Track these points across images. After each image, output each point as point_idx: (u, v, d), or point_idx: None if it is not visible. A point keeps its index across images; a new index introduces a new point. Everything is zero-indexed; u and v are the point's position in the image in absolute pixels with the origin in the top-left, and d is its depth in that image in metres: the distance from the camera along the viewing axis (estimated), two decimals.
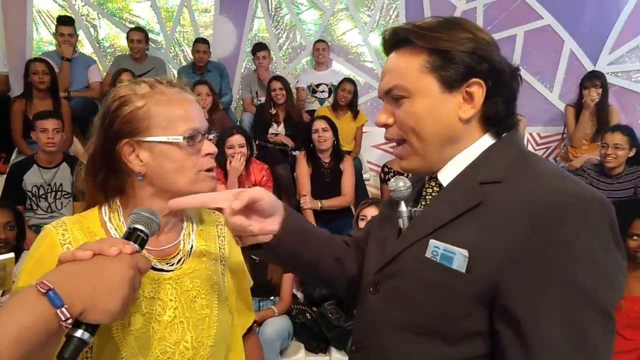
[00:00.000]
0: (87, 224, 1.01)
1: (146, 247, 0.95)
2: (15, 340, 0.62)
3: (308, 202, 3.70)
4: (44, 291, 0.66)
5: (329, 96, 5.08)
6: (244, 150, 3.39)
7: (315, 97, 5.23)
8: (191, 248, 1.06)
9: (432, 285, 0.82)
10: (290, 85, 4.74)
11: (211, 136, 1.05)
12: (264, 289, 2.90)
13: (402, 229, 0.93)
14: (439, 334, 0.82)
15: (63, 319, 0.67)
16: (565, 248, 0.72)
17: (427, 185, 0.94)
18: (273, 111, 4.57)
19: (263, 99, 4.85)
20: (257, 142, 4.41)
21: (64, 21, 4.68)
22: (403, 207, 0.93)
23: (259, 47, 5.09)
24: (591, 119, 4.24)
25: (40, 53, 4.95)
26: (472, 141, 0.88)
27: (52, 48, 4.97)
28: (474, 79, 0.84)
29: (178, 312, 1.00)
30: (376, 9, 5.57)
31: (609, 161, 3.44)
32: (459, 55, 0.83)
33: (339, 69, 5.53)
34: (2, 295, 2.12)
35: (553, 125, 4.98)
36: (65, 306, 0.67)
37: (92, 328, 0.72)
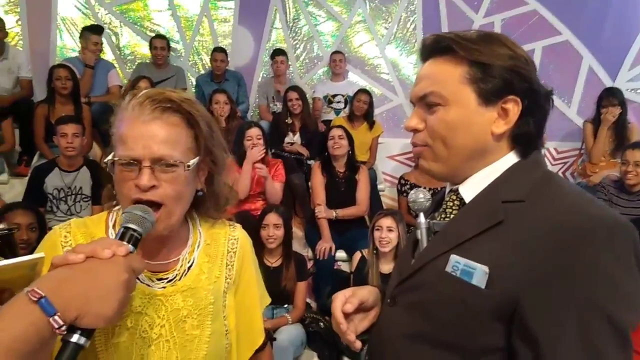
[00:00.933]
0: (92, 227, 1.01)
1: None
2: (7, 349, 0.61)
3: (322, 211, 3.71)
4: (36, 299, 0.65)
5: (345, 107, 5.11)
6: (261, 141, 3.66)
7: (332, 107, 5.26)
8: (190, 266, 1.01)
9: (451, 299, 0.82)
10: (307, 95, 4.78)
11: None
12: (277, 296, 2.91)
13: (419, 240, 0.93)
14: (455, 348, 0.82)
15: (56, 326, 0.65)
16: (587, 270, 0.72)
17: (447, 198, 0.94)
18: (289, 121, 4.61)
19: (279, 104, 4.90)
20: (272, 150, 4.45)
21: (95, 30, 4.81)
22: (422, 218, 0.94)
23: (278, 52, 5.21)
24: (610, 135, 4.23)
25: (62, 59, 5.06)
26: (498, 157, 0.88)
27: (75, 54, 5.08)
28: (511, 96, 0.84)
29: (165, 331, 0.96)
30: (393, 21, 5.61)
31: (630, 178, 3.41)
32: (499, 70, 0.84)
33: (356, 80, 5.57)
34: None
35: (570, 141, 4.95)
36: (58, 314, 0.65)
37: (87, 332, 0.71)
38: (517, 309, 0.76)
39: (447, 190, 0.96)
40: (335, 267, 3.60)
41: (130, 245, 0.79)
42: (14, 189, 4.10)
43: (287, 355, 2.61)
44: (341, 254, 3.63)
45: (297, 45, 5.75)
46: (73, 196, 3.50)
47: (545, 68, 5.21)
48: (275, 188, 3.70)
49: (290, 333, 2.78)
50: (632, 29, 5.05)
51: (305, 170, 4.31)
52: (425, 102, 0.89)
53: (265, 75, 5.67)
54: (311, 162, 4.32)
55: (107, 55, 5.47)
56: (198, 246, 1.04)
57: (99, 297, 0.70)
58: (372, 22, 5.65)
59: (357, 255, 3.23)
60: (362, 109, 4.64)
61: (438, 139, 0.88)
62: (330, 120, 4.94)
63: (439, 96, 0.87)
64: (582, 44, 5.13)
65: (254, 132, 3.66)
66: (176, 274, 0.99)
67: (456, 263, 0.82)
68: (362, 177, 3.86)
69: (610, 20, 5.11)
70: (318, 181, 3.83)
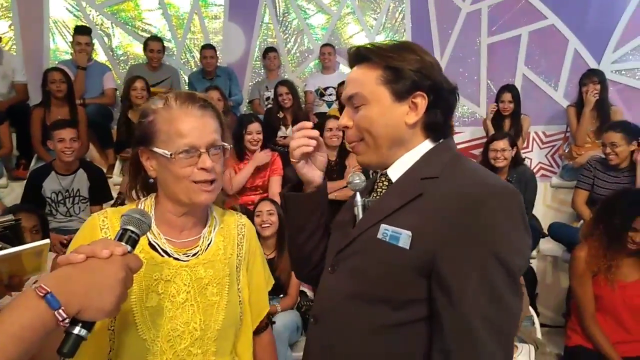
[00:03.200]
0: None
1: (168, 238, 1.13)
2: (16, 338, 0.69)
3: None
4: (42, 294, 0.72)
5: (336, 99, 5.19)
6: (261, 136, 3.83)
7: (324, 100, 5.34)
8: (209, 243, 1.19)
9: (382, 260, 0.99)
10: (299, 89, 4.85)
11: (215, 150, 1.11)
12: (272, 287, 2.99)
13: (356, 215, 1.11)
14: (387, 301, 0.98)
15: (60, 319, 0.73)
16: (485, 228, 0.91)
17: (378, 180, 1.13)
18: (281, 115, 4.69)
19: (267, 94, 4.98)
20: (267, 145, 4.53)
21: (81, 31, 4.86)
22: (358, 197, 1.12)
23: (270, 50, 5.42)
24: (593, 117, 4.29)
25: (57, 62, 5.13)
26: (416, 144, 1.07)
27: (68, 57, 5.15)
28: (419, 92, 1.03)
29: (190, 296, 1.12)
30: (382, 12, 5.67)
31: (611, 159, 3.54)
32: (407, 72, 1.03)
33: (347, 71, 5.59)
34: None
35: (558, 124, 5.00)
36: (62, 308, 0.73)
37: (88, 325, 0.77)
38: (434, 263, 0.93)
39: (379, 174, 1.15)
40: None
41: (128, 246, 0.85)
42: (14, 192, 4.20)
43: (282, 339, 2.69)
44: None
45: (288, 40, 5.82)
46: (71, 198, 3.59)
47: (532, 52, 5.25)
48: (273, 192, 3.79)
49: (285, 318, 2.86)
50: (616, 11, 5.06)
51: None
52: (352, 103, 1.08)
53: (257, 70, 5.75)
54: None
55: (100, 56, 5.54)
56: (214, 228, 1.22)
57: (99, 293, 0.77)
58: (361, 13, 5.71)
59: None
60: None
61: (365, 132, 1.07)
62: (323, 113, 5.02)
63: (361, 96, 1.06)
64: (567, 27, 5.16)
65: (254, 127, 3.82)
66: (198, 249, 1.17)
67: (385, 230, 1.00)
68: (352, 162, 3.98)
69: (594, 4, 5.12)
70: None
